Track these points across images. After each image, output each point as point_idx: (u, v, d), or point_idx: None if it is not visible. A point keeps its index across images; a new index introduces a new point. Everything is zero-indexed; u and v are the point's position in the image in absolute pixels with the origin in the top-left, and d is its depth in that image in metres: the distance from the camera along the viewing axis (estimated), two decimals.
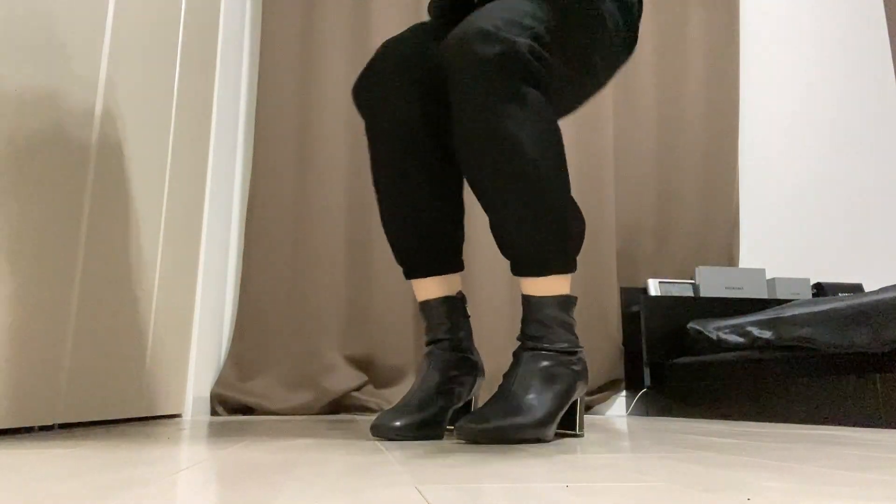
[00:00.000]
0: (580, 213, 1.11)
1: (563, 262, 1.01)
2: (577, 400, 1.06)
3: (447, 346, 1.11)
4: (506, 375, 1.01)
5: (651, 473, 0.57)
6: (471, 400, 1.15)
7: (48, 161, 1.03)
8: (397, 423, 0.97)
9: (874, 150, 3.08)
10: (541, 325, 1.02)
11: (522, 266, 1.02)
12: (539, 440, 0.95)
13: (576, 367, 1.02)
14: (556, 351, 1.01)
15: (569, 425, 1.07)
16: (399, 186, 1.10)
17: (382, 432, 0.97)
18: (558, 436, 1.08)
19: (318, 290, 2.36)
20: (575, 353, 1.03)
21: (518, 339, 1.05)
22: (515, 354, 1.03)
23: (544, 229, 0.98)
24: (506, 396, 0.96)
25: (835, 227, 2.98)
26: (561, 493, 0.46)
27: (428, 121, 1.09)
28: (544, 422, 0.94)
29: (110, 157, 1.25)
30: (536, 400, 0.96)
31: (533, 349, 1.01)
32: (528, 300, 1.03)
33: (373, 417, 2.02)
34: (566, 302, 1.03)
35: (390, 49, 1.08)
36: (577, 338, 1.05)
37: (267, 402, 2.18)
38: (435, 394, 1.05)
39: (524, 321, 1.04)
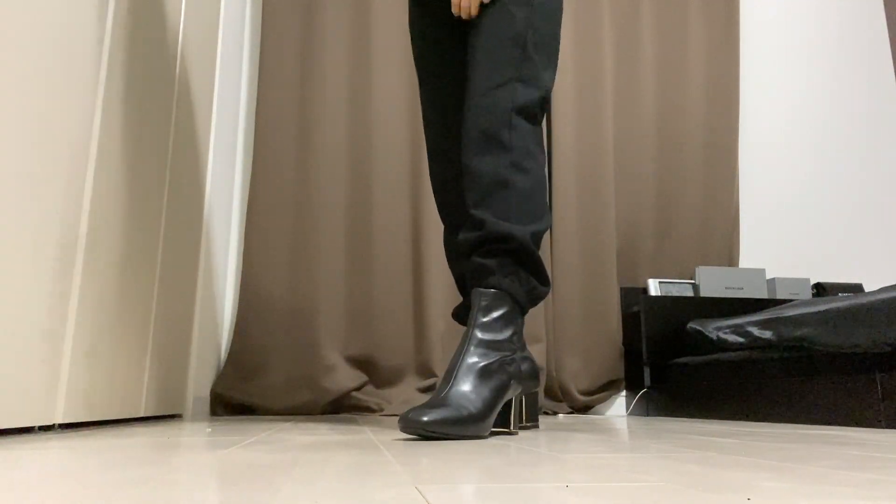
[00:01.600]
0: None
1: None
2: (512, 399, 1.13)
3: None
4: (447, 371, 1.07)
5: (651, 473, 0.57)
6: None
7: (48, 160, 1.03)
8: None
9: (874, 150, 3.08)
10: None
11: None
12: (477, 436, 0.98)
13: (510, 368, 1.10)
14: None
15: (504, 423, 1.13)
16: None
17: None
18: (493, 434, 1.12)
19: (318, 290, 2.36)
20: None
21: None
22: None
23: None
24: (446, 391, 1.02)
25: (835, 227, 2.98)
26: (561, 493, 0.46)
27: None
28: (479, 417, 0.99)
29: (110, 157, 1.25)
30: (474, 395, 1.01)
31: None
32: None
33: (373, 417, 2.02)
34: None
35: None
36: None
37: (267, 402, 2.18)
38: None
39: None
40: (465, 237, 1.17)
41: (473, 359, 1.05)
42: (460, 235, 1.19)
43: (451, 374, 1.03)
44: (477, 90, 1.20)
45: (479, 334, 1.08)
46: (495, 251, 1.14)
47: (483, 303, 1.11)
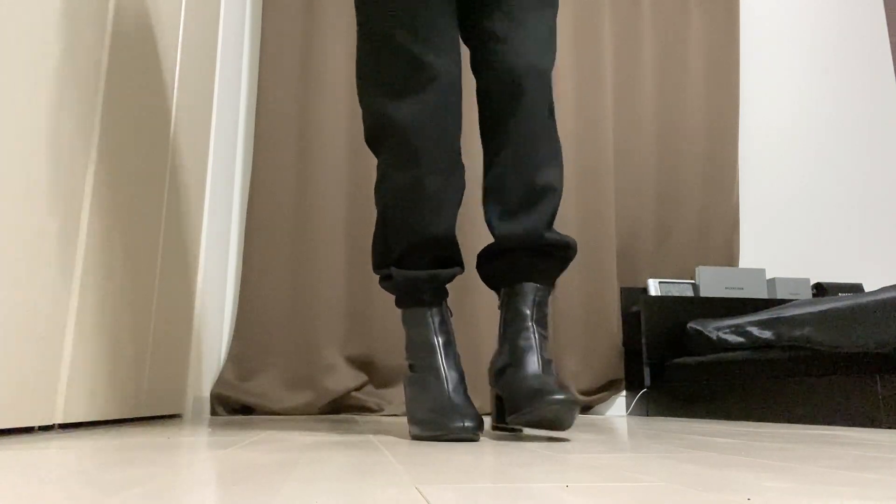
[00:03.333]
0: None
1: None
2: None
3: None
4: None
5: (651, 473, 0.57)
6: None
7: (48, 161, 1.03)
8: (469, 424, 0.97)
9: (874, 150, 3.08)
10: None
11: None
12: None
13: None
14: None
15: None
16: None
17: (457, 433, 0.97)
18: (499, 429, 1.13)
19: (318, 290, 2.36)
20: None
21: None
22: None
23: None
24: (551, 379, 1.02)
25: (835, 227, 2.98)
26: (561, 493, 0.46)
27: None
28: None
29: (110, 157, 1.25)
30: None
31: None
32: None
33: (373, 417, 2.01)
34: None
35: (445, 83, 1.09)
36: None
37: (267, 402, 2.18)
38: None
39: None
40: (512, 233, 1.12)
41: (545, 355, 1.06)
42: (507, 226, 1.13)
43: (526, 361, 1.03)
44: (532, 58, 1.12)
45: (541, 331, 1.09)
46: (550, 252, 1.13)
47: (539, 297, 1.11)
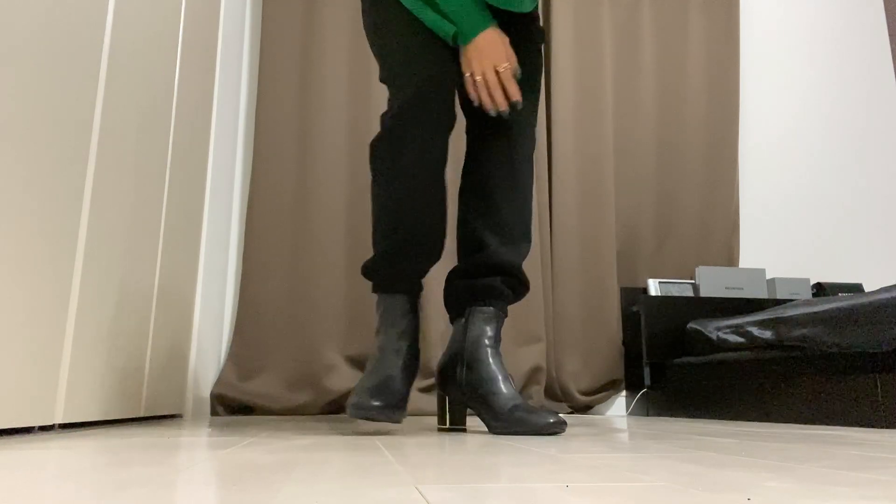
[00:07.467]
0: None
1: None
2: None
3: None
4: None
5: (651, 473, 0.57)
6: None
7: (48, 161, 1.03)
8: (376, 403, 1.05)
9: (874, 150, 3.08)
10: None
11: None
12: None
13: None
14: None
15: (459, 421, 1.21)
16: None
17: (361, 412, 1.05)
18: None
19: (318, 289, 2.36)
20: None
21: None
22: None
23: None
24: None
25: (835, 227, 2.98)
26: (561, 493, 0.46)
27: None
28: None
29: (110, 157, 1.25)
30: None
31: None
32: None
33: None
34: None
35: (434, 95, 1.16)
36: None
37: (267, 402, 2.18)
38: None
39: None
40: (514, 261, 1.27)
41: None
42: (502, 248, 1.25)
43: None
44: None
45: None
46: (523, 284, 1.28)
47: (500, 320, 1.24)
